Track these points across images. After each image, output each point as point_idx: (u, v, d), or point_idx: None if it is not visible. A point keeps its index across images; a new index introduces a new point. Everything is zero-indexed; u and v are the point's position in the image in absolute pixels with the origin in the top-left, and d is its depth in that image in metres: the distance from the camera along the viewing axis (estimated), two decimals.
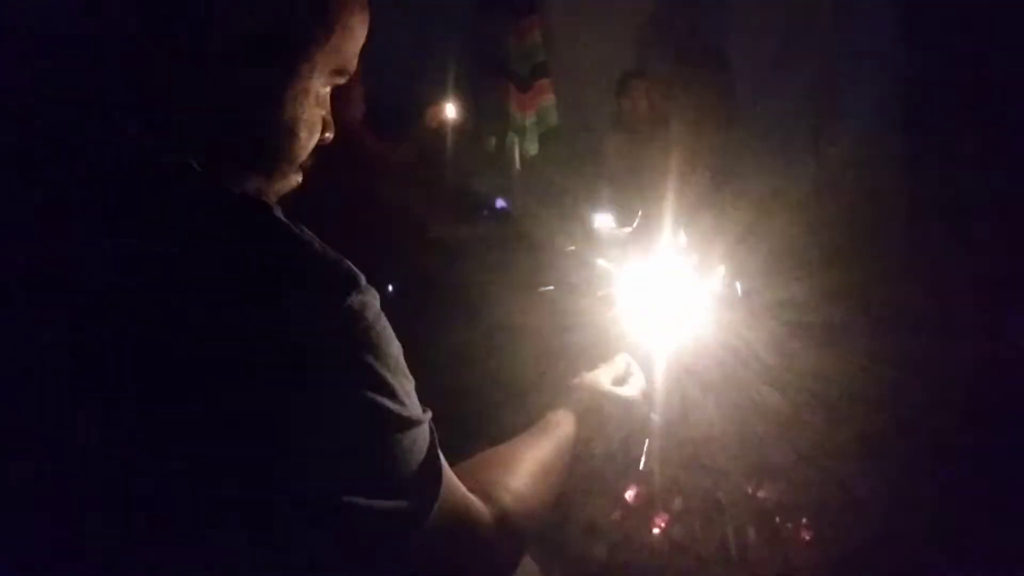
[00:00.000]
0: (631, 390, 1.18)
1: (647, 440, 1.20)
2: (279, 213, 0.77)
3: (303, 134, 0.85)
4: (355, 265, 0.77)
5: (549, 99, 5.08)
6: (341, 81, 0.87)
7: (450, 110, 3.46)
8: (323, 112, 0.87)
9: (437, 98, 3.50)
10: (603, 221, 4.34)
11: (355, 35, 0.85)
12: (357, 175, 2.78)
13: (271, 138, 0.83)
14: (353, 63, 0.87)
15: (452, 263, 3.17)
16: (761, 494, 1.90)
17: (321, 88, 0.85)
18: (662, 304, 1.19)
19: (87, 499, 0.72)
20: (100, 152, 0.76)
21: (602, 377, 1.18)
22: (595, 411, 1.14)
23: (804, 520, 1.89)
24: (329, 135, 0.89)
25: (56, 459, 0.72)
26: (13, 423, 0.73)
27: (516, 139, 5.01)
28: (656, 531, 1.84)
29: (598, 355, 1.21)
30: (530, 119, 5.10)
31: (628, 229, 3.59)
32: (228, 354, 0.70)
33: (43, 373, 0.72)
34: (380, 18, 0.91)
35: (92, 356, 0.71)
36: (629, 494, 1.76)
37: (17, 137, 0.78)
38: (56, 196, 0.75)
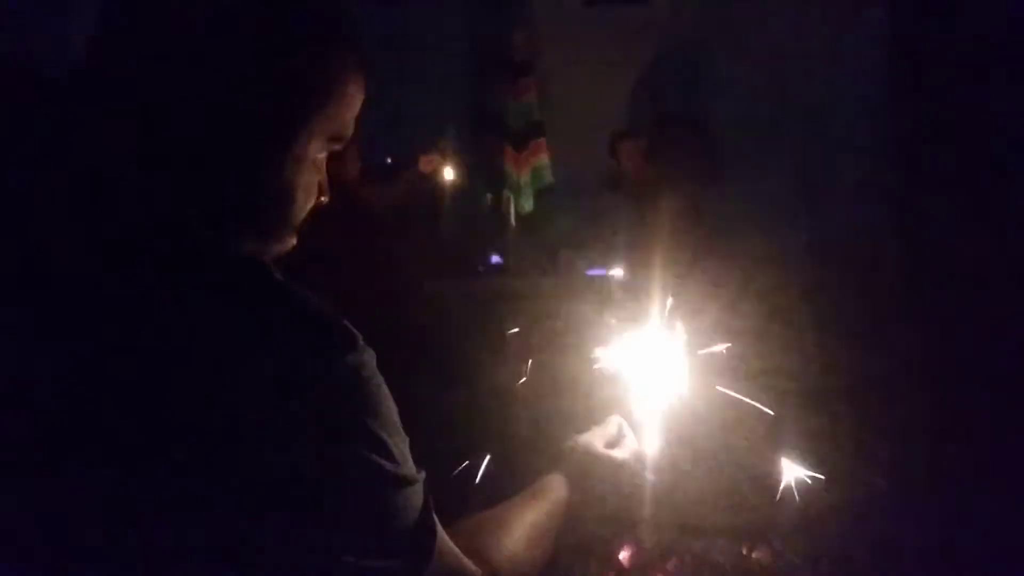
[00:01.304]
0: (623, 453, 1.18)
1: (642, 500, 1.19)
2: (277, 274, 0.78)
3: (300, 198, 0.86)
4: (351, 324, 0.78)
5: (544, 158, 5.15)
6: (338, 147, 0.89)
7: (448, 172, 3.49)
8: (320, 176, 0.89)
9: (432, 146, 3.54)
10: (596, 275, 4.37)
11: (352, 103, 0.87)
12: (352, 234, 2.80)
13: (269, 202, 0.84)
14: (350, 129, 0.89)
15: (447, 322, 3.17)
16: (756, 555, 1.89)
17: (318, 154, 0.87)
18: (653, 367, 1.19)
19: (87, 546, 0.72)
20: (102, 215, 0.77)
21: (594, 440, 1.18)
22: (587, 474, 1.14)
23: None
24: (325, 199, 0.91)
25: (58, 517, 0.72)
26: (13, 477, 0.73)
27: (511, 196, 5.06)
28: None
29: (590, 418, 1.21)
30: (525, 177, 5.15)
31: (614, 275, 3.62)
32: (225, 412, 0.71)
33: (39, 433, 0.72)
34: (378, 77, 0.93)
35: (94, 415, 0.71)
36: (623, 555, 1.74)
37: (21, 200, 0.79)
38: (60, 259, 0.76)
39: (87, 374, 0.72)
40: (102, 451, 0.71)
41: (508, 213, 5.05)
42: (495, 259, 4.89)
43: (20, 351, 0.74)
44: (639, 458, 1.19)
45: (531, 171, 5.16)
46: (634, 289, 3.27)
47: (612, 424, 1.21)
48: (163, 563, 0.71)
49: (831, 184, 5.08)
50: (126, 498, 0.71)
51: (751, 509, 1.83)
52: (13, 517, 0.73)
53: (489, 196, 5.13)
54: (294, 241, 0.90)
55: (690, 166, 3.27)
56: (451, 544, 0.85)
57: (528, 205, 5.16)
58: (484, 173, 5.07)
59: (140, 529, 0.71)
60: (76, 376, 0.72)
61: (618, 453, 1.18)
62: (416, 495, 0.80)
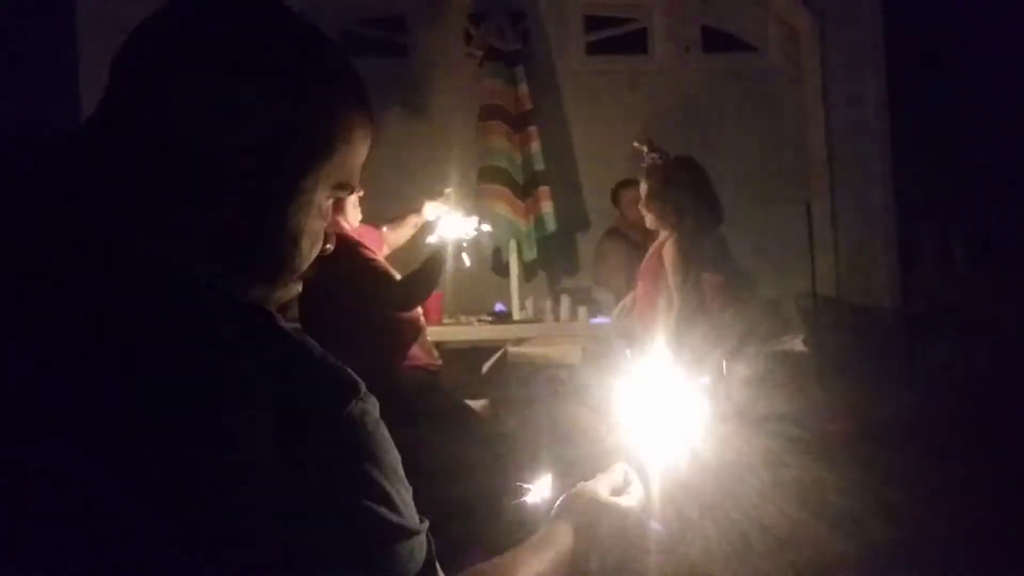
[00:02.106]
0: (630, 500, 1.17)
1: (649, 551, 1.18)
2: (281, 321, 0.78)
3: (305, 245, 0.86)
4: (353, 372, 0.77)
5: (547, 206, 5.17)
6: (344, 195, 0.89)
7: (460, 225, 3.44)
8: (325, 223, 0.89)
9: (438, 194, 3.53)
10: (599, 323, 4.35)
11: (358, 151, 0.88)
12: (351, 281, 2.80)
13: (274, 249, 0.84)
14: (356, 177, 0.89)
15: (449, 371, 3.15)
16: None
17: (324, 201, 0.87)
18: (658, 414, 1.19)
19: None
20: (104, 260, 0.77)
21: (600, 487, 1.17)
22: (593, 522, 1.12)
23: None
24: (330, 246, 0.91)
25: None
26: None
27: (515, 245, 5.07)
28: None
29: (595, 465, 1.20)
30: (528, 226, 5.17)
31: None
32: (226, 461, 0.70)
33: (34, 481, 0.72)
34: (384, 128, 0.93)
35: (89, 462, 0.71)
36: None
37: (18, 243, 0.79)
38: (59, 303, 0.76)
39: (81, 420, 0.72)
40: (88, 500, 0.70)
41: (511, 261, 5.06)
42: (499, 307, 4.90)
43: (10, 401, 0.74)
44: (645, 506, 1.17)
45: (534, 220, 5.18)
46: (632, 339, 3.26)
47: (618, 471, 1.20)
48: None
49: (834, 234, 5.10)
50: (114, 546, 0.70)
51: (758, 558, 1.80)
52: None
53: (493, 245, 5.15)
54: (299, 288, 0.90)
55: (686, 208, 3.28)
56: None
57: (531, 253, 5.17)
58: (488, 222, 5.10)
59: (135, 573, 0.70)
60: (71, 422, 0.72)
61: (624, 501, 1.16)
62: (419, 546, 0.79)
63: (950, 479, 2.30)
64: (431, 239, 3.17)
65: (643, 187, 3.41)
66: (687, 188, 3.32)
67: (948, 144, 4.15)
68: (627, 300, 3.65)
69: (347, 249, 2.81)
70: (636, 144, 3.49)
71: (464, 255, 3.34)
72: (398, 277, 2.95)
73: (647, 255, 3.51)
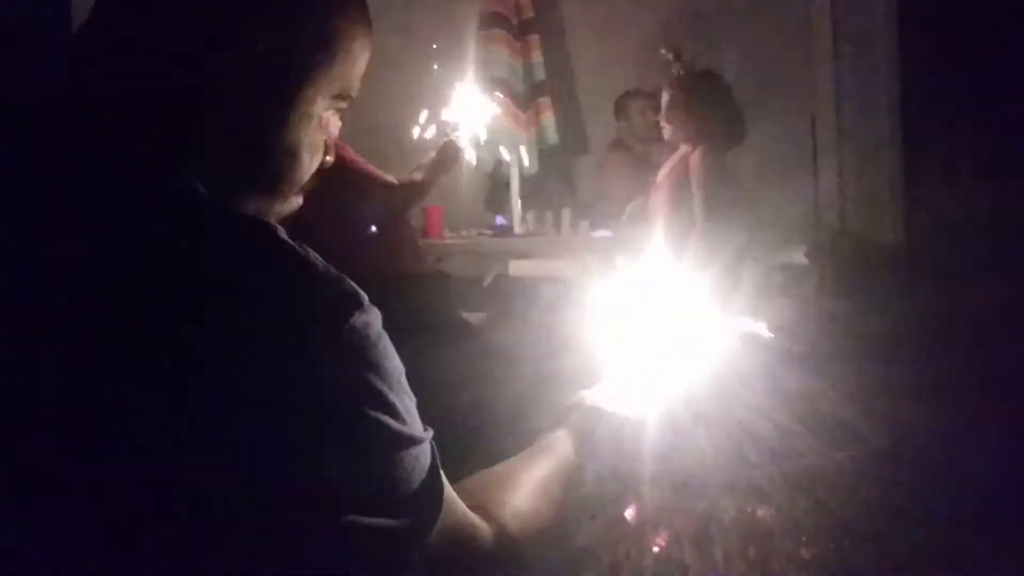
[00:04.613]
0: (628, 410, 1.18)
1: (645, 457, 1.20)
2: (282, 233, 0.78)
3: (305, 157, 0.86)
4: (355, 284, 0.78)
5: (549, 117, 5.10)
6: (343, 105, 0.88)
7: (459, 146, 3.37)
8: (325, 135, 0.88)
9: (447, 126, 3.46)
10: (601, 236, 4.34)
11: (358, 60, 0.87)
12: (347, 198, 2.78)
13: (274, 160, 0.84)
14: (355, 87, 0.88)
15: (449, 288, 3.16)
16: (759, 513, 1.90)
17: (323, 111, 0.86)
18: (654, 325, 1.19)
19: (77, 515, 0.72)
20: (104, 173, 0.77)
21: (598, 396, 1.19)
22: (591, 431, 1.14)
23: (803, 539, 1.89)
24: (330, 158, 0.91)
25: (47, 480, 0.72)
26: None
27: (515, 157, 5.03)
28: (656, 550, 1.83)
29: (594, 376, 1.22)
30: (530, 137, 5.11)
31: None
32: (229, 372, 0.71)
33: (34, 400, 0.72)
34: (382, 37, 0.92)
35: (93, 376, 0.72)
36: (629, 513, 1.75)
37: (19, 156, 0.79)
38: (57, 217, 0.76)
39: (84, 332, 0.72)
40: (105, 412, 0.71)
41: (512, 175, 5.02)
42: (499, 220, 4.89)
43: (14, 314, 0.74)
44: (643, 415, 1.19)
45: (536, 131, 5.12)
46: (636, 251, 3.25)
47: (617, 381, 1.22)
48: (163, 527, 0.71)
49: (838, 146, 5.05)
50: (122, 458, 0.71)
51: (754, 467, 1.84)
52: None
53: (493, 157, 5.10)
54: (299, 201, 0.90)
55: (710, 122, 3.23)
56: (458, 501, 0.86)
57: (533, 166, 5.13)
58: (488, 134, 5.04)
59: (137, 488, 0.71)
60: (72, 336, 0.72)
61: (622, 410, 1.18)
62: (423, 454, 0.80)
63: (944, 388, 2.33)
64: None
65: (665, 97, 3.34)
66: (712, 101, 3.27)
67: (958, 53, 4.06)
68: (638, 204, 3.60)
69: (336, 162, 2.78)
70: (662, 51, 3.41)
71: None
72: (391, 179, 2.93)
73: (666, 165, 3.44)
